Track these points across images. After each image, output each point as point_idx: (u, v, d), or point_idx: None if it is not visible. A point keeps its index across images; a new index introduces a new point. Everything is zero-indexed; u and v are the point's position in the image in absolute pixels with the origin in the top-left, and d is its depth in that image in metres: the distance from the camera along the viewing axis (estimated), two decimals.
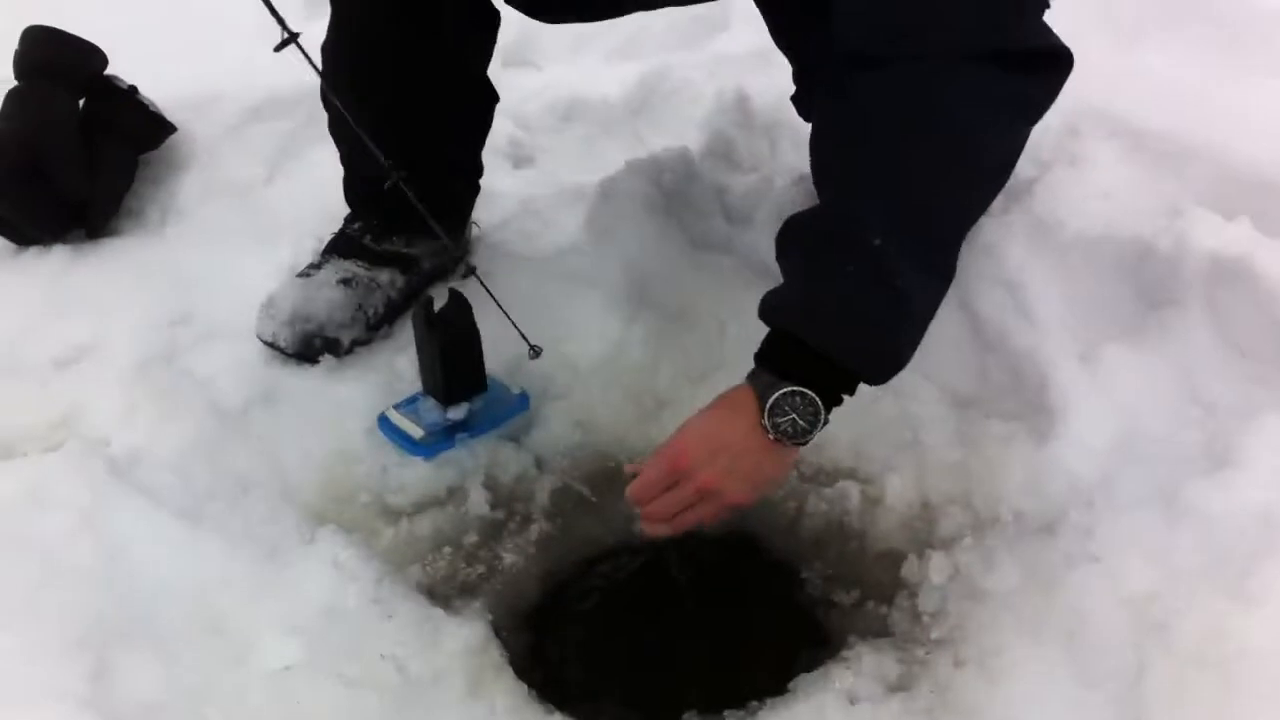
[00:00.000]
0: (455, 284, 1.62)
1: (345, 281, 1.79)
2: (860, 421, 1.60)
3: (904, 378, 1.63)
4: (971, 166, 1.34)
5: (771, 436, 1.28)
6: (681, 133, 2.17)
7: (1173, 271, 1.62)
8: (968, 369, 1.66)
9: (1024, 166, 1.70)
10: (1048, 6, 1.36)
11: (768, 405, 1.28)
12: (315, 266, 1.83)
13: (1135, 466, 1.47)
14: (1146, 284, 1.65)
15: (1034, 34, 1.34)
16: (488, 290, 1.57)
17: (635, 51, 2.38)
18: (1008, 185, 1.57)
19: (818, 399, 1.28)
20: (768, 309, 1.33)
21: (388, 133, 1.56)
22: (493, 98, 1.83)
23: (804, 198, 1.86)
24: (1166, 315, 1.61)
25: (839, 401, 1.32)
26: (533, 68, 2.41)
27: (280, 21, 1.38)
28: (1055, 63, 1.35)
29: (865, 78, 1.33)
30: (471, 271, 1.58)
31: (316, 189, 2.03)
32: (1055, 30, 1.36)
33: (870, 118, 1.33)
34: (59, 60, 2.07)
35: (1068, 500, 1.45)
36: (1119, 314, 1.65)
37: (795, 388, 1.28)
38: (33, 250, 1.99)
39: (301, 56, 1.41)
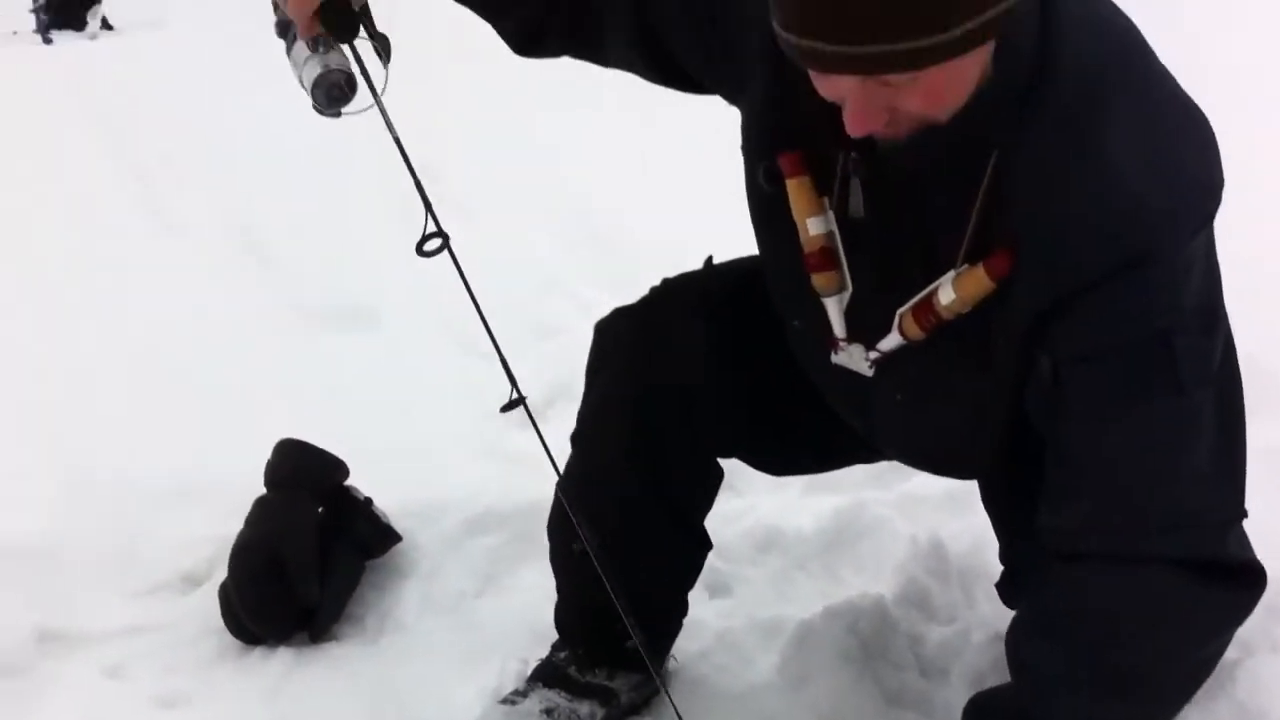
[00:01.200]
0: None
1: (547, 712, 1.87)
2: None
3: None
4: (1162, 673, 1.38)
5: None
6: (877, 572, 2.24)
7: None
8: None
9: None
10: (1245, 516, 1.41)
11: None
12: (520, 694, 1.91)
13: None
14: None
15: (1235, 546, 1.39)
16: None
17: (832, 485, 2.48)
18: None
19: None
20: None
21: (604, 570, 1.67)
22: (706, 545, 1.93)
23: (1001, 656, 1.88)
24: None
25: None
26: (733, 493, 2.53)
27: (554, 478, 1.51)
28: (1253, 578, 1.39)
29: (1066, 569, 1.39)
30: None
31: (524, 608, 2.15)
32: (1259, 524, 1.40)
33: (1067, 611, 1.39)
34: (304, 472, 2.29)
35: None
36: None
37: None
38: (259, 650, 2.14)
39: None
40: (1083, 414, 1.34)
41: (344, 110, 1.41)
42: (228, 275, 3.99)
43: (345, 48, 1.43)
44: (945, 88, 1.22)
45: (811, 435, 1.77)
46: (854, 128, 1.25)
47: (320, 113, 1.43)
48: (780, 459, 1.89)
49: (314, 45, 1.42)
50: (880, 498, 2.45)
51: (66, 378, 3.14)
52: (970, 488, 2.29)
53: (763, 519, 2.43)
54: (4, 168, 5.82)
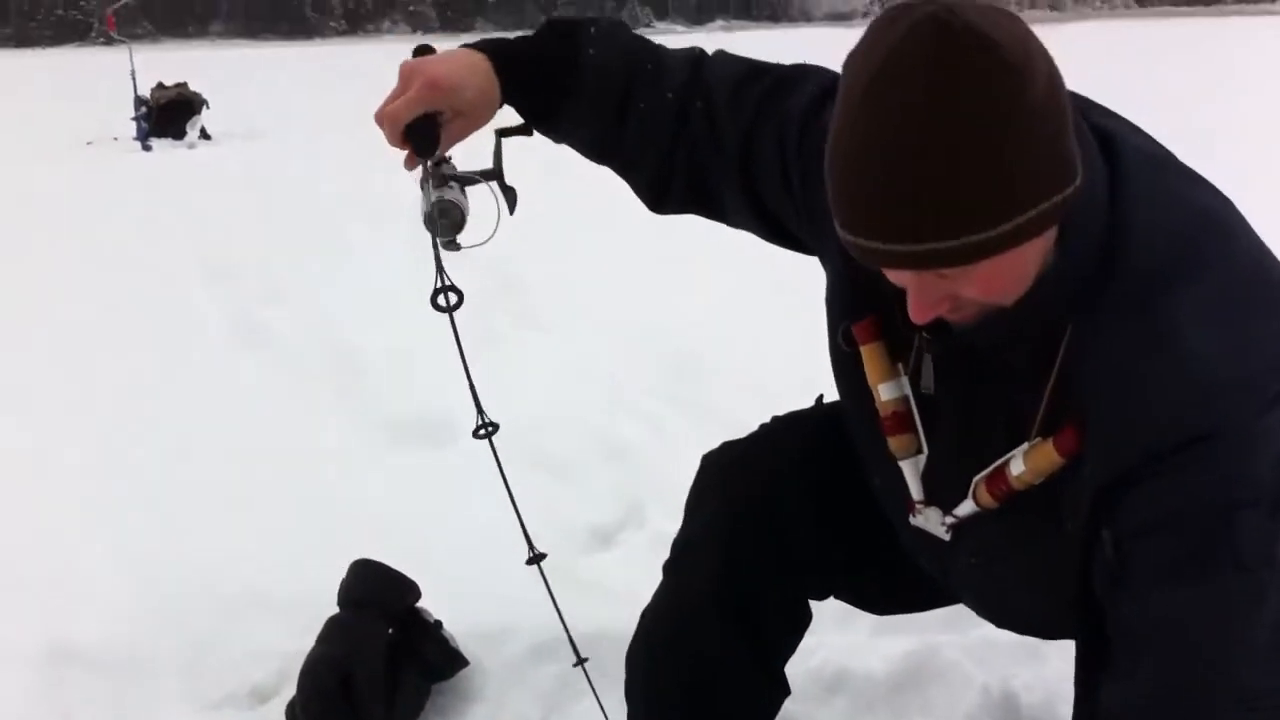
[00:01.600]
0: None
1: None
2: None
3: None
4: None
5: None
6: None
7: None
8: None
9: None
10: None
11: None
12: None
13: None
14: None
15: None
16: None
17: (902, 626, 2.45)
18: None
19: None
20: None
21: (679, 709, 1.68)
22: (785, 690, 1.89)
23: None
24: None
25: None
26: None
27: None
28: None
29: None
30: None
31: None
32: None
33: None
34: (377, 593, 2.31)
35: None
36: None
37: None
38: None
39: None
40: (1141, 588, 1.31)
41: (463, 245, 1.56)
42: (310, 388, 4.09)
43: (462, 191, 1.57)
44: (1002, 277, 1.23)
45: (912, 578, 1.76)
46: (916, 315, 1.28)
47: (443, 246, 1.56)
48: (881, 600, 1.89)
49: (426, 180, 1.57)
50: (953, 641, 2.41)
51: (144, 487, 3.23)
52: None
53: (831, 658, 2.40)
54: (92, 270, 6.03)
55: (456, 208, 1.54)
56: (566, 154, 1.75)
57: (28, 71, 34.73)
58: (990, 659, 2.34)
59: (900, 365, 1.50)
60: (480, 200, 1.60)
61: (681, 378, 4.09)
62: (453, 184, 1.55)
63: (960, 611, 2.49)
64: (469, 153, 1.63)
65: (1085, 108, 1.40)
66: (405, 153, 1.56)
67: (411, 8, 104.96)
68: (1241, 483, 1.25)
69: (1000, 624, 1.72)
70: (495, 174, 1.61)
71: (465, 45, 1.62)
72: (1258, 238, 1.34)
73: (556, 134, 1.67)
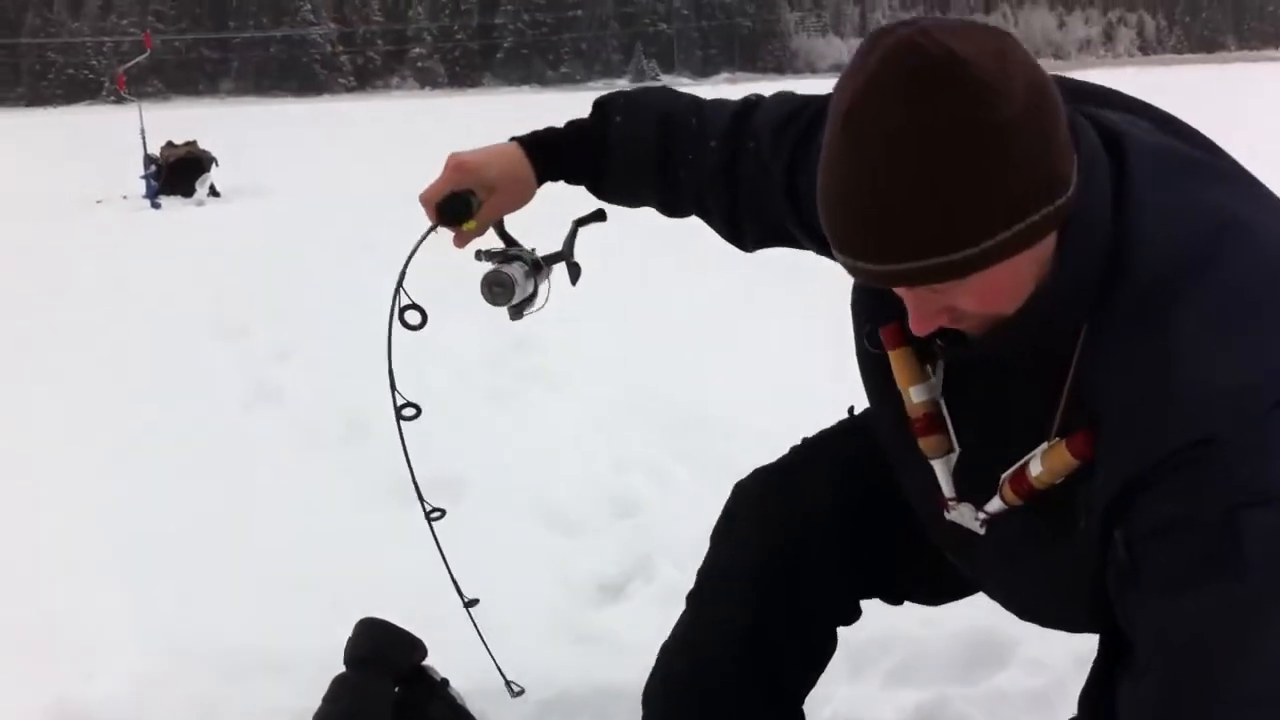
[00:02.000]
0: None
1: None
2: None
3: None
4: None
5: None
6: None
7: None
8: None
9: None
10: None
11: None
12: None
13: None
14: None
15: None
16: None
17: (913, 678, 2.44)
18: None
19: None
20: None
21: None
22: None
23: None
24: None
25: None
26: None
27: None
28: None
29: None
30: None
31: None
32: None
33: None
34: (383, 651, 2.30)
35: None
36: None
37: None
38: None
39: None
40: (1153, 590, 1.30)
41: (526, 313, 1.80)
42: (318, 445, 4.09)
43: (525, 271, 1.78)
44: (996, 289, 1.25)
45: (947, 573, 1.73)
46: (916, 327, 1.31)
47: (509, 317, 1.79)
48: (911, 595, 1.87)
49: (478, 256, 1.79)
50: (964, 693, 2.39)
51: (152, 543, 3.22)
52: (1055, 688, 2.25)
53: (842, 709, 2.38)
54: (100, 328, 6.06)
55: (508, 278, 1.73)
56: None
57: (39, 130, 35.14)
58: (1000, 710, 2.33)
59: (929, 368, 1.51)
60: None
61: (689, 431, 4.09)
62: (514, 262, 1.77)
63: (971, 662, 2.49)
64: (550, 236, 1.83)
65: (1103, 101, 1.43)
66: (452, 231, 1.74)
67: (420, 64, 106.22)
68: (1250, 485, 1.24)
69: (1024, 616, 1.70)
70: (562, 257, 1.83)
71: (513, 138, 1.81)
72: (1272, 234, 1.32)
73: (616, 202, 1.85)
